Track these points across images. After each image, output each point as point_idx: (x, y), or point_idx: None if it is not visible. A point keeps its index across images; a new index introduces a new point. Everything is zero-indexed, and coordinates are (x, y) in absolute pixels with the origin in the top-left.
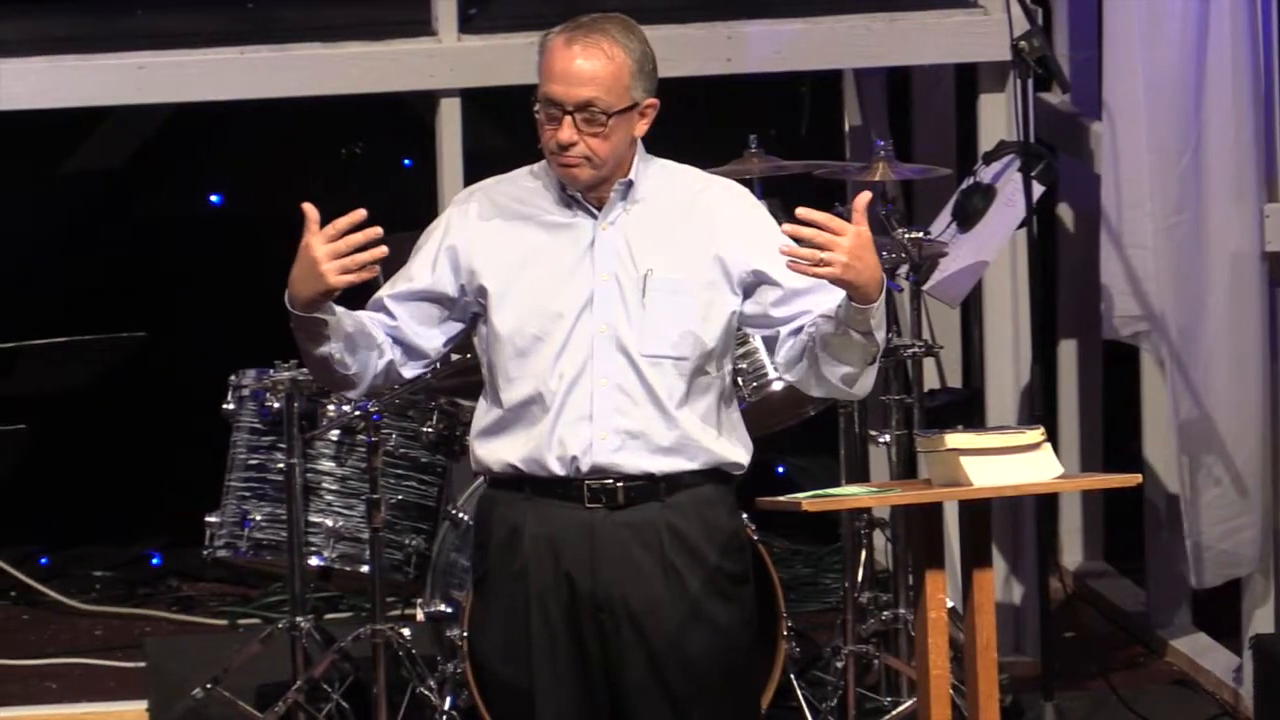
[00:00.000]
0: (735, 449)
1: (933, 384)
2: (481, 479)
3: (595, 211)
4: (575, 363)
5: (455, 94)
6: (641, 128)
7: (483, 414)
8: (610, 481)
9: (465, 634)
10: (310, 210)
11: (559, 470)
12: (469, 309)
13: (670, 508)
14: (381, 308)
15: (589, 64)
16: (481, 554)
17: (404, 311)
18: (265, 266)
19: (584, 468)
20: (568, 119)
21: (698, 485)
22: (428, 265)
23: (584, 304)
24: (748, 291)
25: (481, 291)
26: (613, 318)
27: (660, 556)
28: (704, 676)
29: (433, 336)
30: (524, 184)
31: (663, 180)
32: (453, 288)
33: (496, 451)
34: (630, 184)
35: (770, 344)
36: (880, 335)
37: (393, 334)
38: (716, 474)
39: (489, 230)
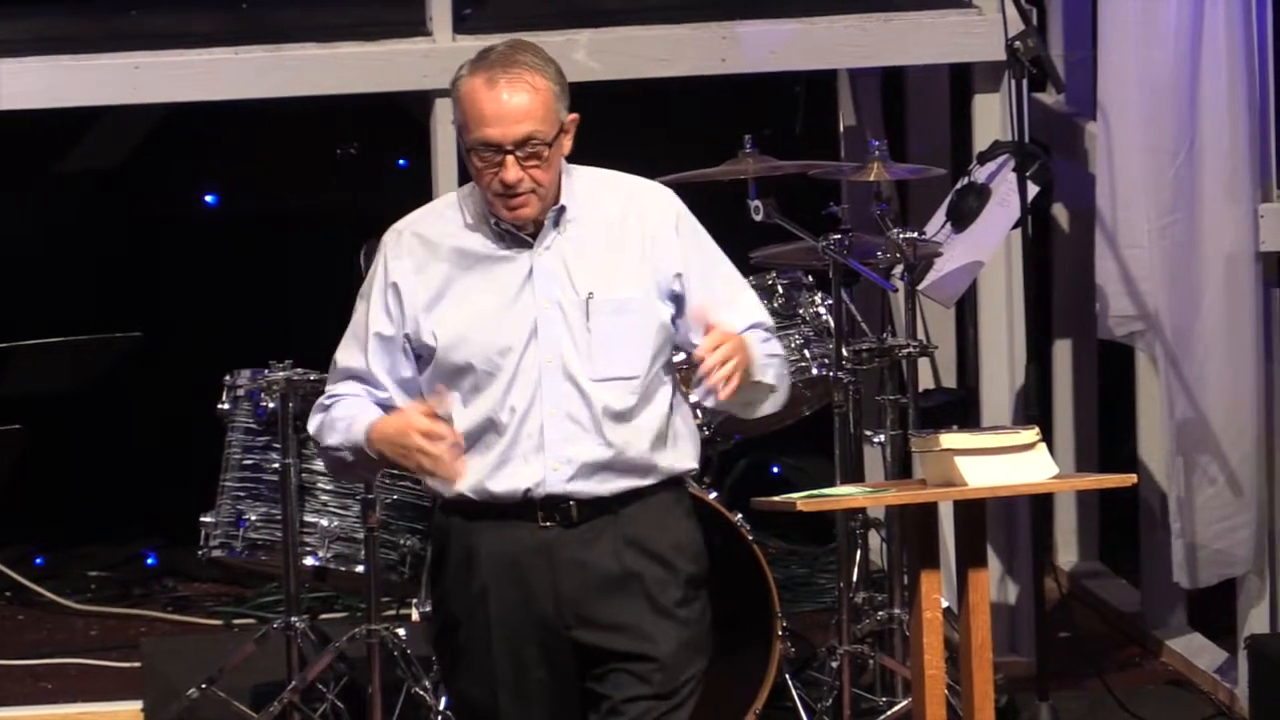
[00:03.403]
0: (685, 458)
1: (927, 384)
2: None
3: (529, 239)
4: (524, 395)
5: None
6: (568, 145)
7: None
8: (564, 503)
9: None
10: (440, 411)
11: (511, 501)
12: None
13: (624, 519)
14: (366, 380)
15: (517, 99)
16: (439, 574)
17: (390, 379)
18: (260, 267)
19: (537, 498)
20: (510, 158)
21: (651, 495)
22: (383, 313)
23: (529, 335)
24: (675, 300)
25: (429, 334)
26: (559, 347)
27: (620, 565)
28: (672, 678)
29: (416, 378)
30: (450, 219)
31: (591, 195)
32: (410, 324)
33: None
34: (562, 209)
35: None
36: (770, 375)
37: (384, 404)
38: (669, 481)
39: (427, 272)
